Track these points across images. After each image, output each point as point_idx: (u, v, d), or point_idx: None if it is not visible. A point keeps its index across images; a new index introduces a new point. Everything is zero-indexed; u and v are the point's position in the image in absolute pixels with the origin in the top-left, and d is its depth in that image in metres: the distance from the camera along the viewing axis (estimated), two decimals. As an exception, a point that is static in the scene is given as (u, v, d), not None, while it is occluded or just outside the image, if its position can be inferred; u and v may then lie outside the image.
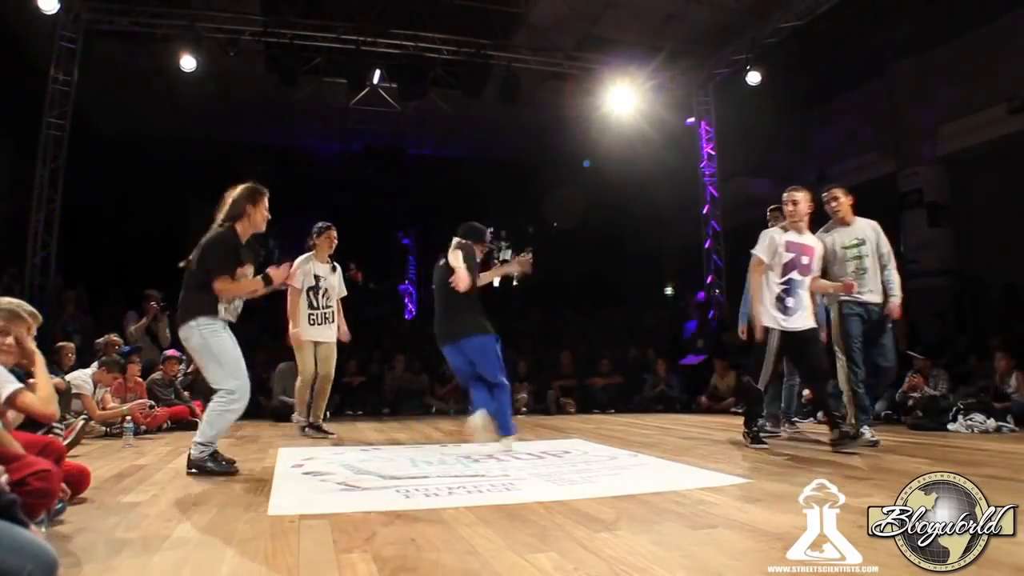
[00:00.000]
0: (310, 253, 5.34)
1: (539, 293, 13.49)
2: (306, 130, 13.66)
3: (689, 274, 12.23)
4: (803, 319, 4.24)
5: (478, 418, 4.20)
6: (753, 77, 9.82)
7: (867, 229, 4.59)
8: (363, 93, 11.16)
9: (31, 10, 7.97)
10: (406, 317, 14.66)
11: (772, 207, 5.37)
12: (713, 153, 11.39)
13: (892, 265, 4.56)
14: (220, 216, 3.49)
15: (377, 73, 10.70)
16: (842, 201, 4.66)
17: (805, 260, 4.30)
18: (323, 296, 5.29)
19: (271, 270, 3.50)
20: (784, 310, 4.23)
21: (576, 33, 10.24)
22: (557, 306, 12.48)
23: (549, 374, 9.06)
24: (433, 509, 2.49)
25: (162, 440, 5.22)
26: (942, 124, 9.63)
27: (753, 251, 4.36)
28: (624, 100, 10.46)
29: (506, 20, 10.16)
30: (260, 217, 3.53)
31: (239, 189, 3.53)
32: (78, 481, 2.63)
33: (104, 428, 5.30)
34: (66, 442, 3.51)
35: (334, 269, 5.43)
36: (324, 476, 3.31)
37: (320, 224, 5.40)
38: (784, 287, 4.25)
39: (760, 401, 4.48)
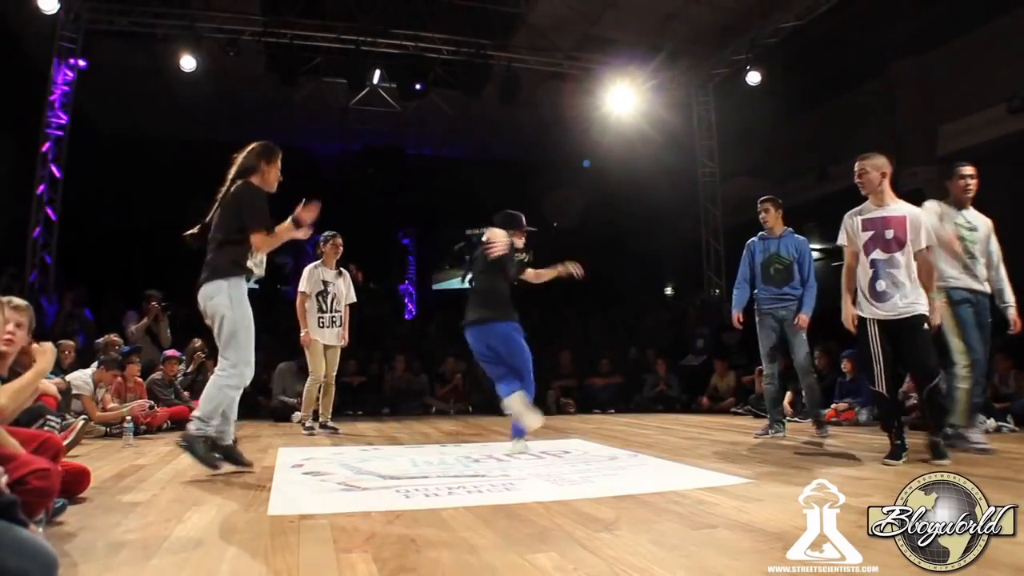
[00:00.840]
0: (319, 261, 5.75)
1: (539, 293, 13.47)
2: (306, 130, 13.65)
3: (689, 274, 12.23)
4: (898, 303, 3.60)
5: (517, 400, 4.09)
6: (753, 77, 9.83)
7: (981, 221, 4.29)
8: (363, 93, 11.17)
9: (31, 10, 7.97)
10: (406, 317, 14.66)
11: (761, 199, 5.36)
12: (713, 153, 11.40)
13: (1004, 272, 4.27)
14: (231, 173, 3.40)
15: (377, 73, 10.71)
16: (976, 182, 4.26)
17: (889, 234, 3.72)
18: (332, 300, 5.66)
19: (299, 211, 3.36)
20: (876, 296, 3.64)
21: (576, 33, 10.24)
22: (557, 306, 12.47)
23: (549, 374, 9.06)
24: (433, 509, 2.49)
25: (162, 440, 5.21)
26: (942, 124, 9.62)
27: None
28: (624, 100, 10.47)
29: (506, 20, 10.16)
30: (273, 176, 3.43)
31: (251, 146, 3.45)
32: (78, 481, 2.63)
33: (104, 428, 5.30)
34: (66, 442, 3.50)
35: (340, 274, 5.79)
36: (324, 476, 3.31)
37: (326, 233, 5.76)
38: (872, 270, 3.69)
39: (891, 411, 3.71)
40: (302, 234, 3.42)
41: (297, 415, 6.86)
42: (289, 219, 3.36)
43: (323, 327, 5.61)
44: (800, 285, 5.09)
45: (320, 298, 5.62)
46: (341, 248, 5.75)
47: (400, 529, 2.17)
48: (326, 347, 5.63)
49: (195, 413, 3.31)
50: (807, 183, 11.48)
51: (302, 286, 5.64)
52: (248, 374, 3.30)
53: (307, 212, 3.37)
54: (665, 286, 15.44)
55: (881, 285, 3.64)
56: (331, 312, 5.64)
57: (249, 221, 3.27)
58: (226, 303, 3.24)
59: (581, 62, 10.52)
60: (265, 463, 3.79)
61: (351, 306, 5.83)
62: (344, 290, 5.75)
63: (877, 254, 3.71)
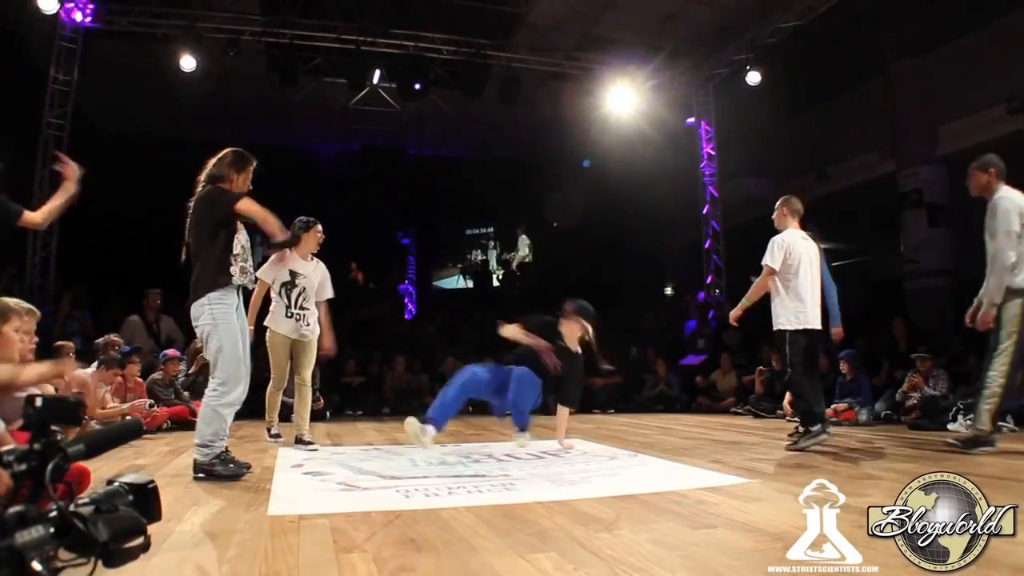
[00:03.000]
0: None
1: (539, 293, 13.48)
2: (306, 130, 13.65)
3: (689, 274, 12.24)
4: None
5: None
6: (753, 77, 9.82)
7: None
8: (363, 93, 11.17)
9: (31, 10, 7.97)
10: (406, 317, 14.65)
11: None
12: (713, 153, 11.40)
13: None
14: (201, 178, 3.38)
15: (377, 73, 10.71)
16: None
17: None
18: (299, 296, 4.63)
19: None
20: None
21: (576, 33, 10.24)
22: (557, 306, 12.47)
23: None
24: (433, 509, 2.49)
25: (162, 440, 5.22)
26: (942, 124, 9.63)
27: None
28: (624, 100, 10.47)
29: (506, 20, 10.16)
30: (243, 186, 3.38)
31: (223, 152, 3.41)
32: (78, 481, 2.63)
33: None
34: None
35: (317, 266, 4.77)
36: (324, 476, 3.31)
37: (305, 219, 4.69)
38: None
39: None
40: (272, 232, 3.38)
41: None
42: (268, 216, 3.30)
43: (290, 319, 4.60)
44: None
45: (284, 290, 4.60)
46: (322, 237, 4.73)
47: (400, 529, 2.17)
48: (294, 342, 4.64)
49: (196, 441, 3.25)
50: (807, 183, 11.47)
51: (262, 273, 4.51)
52: (238, 392, 3.22)
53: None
54: (665, 286, 15.44)
55: None
56: (297, 308, 4.62)
57: (225, 200, 3.24)
58: (209, 321, 3.20)
59: (581, 62, 10.51)
60: (265, 463, 3.79)
61: (331, 304, 4.93)
62: (316, 285, 4.70)
63: None
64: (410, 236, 17.15)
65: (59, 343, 5.90)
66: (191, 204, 3.35)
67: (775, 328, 4.42)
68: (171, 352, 6.62)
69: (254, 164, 3.44)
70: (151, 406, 5.86)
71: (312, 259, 4.73)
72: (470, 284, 15.77)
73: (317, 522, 2.27)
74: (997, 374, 3.87)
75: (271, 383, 4.75)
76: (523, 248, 15.90)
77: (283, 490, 2.94)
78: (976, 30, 9.06)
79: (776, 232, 4.55)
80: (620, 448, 4.37)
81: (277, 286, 4.62)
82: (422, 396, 8.68)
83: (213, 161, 3.40)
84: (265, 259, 4.57)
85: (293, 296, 4.62)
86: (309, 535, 2.11)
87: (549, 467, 3.56)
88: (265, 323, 4.63)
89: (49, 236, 8.65)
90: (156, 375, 6.40)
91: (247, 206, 3.25)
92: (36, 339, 2.58)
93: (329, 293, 4.80)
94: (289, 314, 4.60)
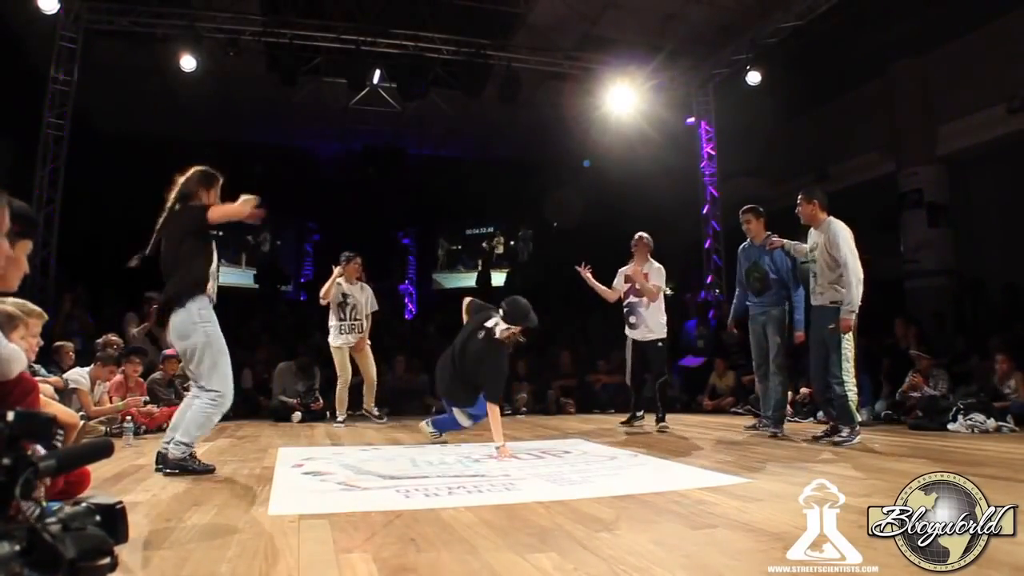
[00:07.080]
0: (340, 276, 6.33)
1: (539, 293, 13.46)
2: (306, 130, 13.65)
3: (689, 274, 12.23)
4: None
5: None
6: (753, 77, 9.82)
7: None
8: (363, 93, 11.17)
9: (31, 10, 7.98)
10: (406, 317, 14.65)
11: (743, 209, 5.51)
12: (713, 153, 11.40)
13: None
14: (171, 196, 3.41)
15: (377, 73, 10.71)
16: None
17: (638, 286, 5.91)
18: (351, 310, 6.33)
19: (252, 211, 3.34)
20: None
21: (576, 33, 10.23)
22: (557, 306, 12.46)
23: (549, 374, 9.05)
24: (433, 509, 2.49)
25: (162, 440, 5.21)
26: (942, 124, 9.62)
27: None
28: (624, 100, 10.46)
29: (506, 20, 10.16)
30: (213, 202, 3.45)
31: (191, 171, 3.46)
32: (78, 481, 2.63)
33: (104, 428, 5.31)
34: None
35: (363, 289, 6.48)
36: (324, 476, 3.31)
37: (347, 253, 6.43)
38: (627, 308, 6.14)
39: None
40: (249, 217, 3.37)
41: (297, 415, 6.97)
42: (241, 203, 3.30)
43: (343, 333, 6.31)
44: (778, 296, 5.13)
45: (340, 308, 6.30)
46: (360, 267, 6.45)
47: (400, 529, 2.17)
48: (350, 349, 6.35)
49: (178, 438, 3.30)
50: (807, 183, 11.45)
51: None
52: (229, 401, 3.38)
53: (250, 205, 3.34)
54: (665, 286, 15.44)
55: (632, 319, 5.89)
56: (350, 320, 6.32)
57: (197, 215, 3.29)
58: (203, 339, 3.28)
59: (581, 62, 10.51)
60: (265, 463, 3.79)
61: (374, 315, 6.56)
62: (363, 301, 6.41)
63: (632, 298, 5.88)
64: (410, 236, 17.14)
65: (59, 343, 5.92)
66: (162, 223, 3.40)
67: (664, 336, 5.87)
68: (170, 352, 6.61)
69: (220, 181, 3.49)
70: (146, 403, 5.87)
71: (357, 283, 6.54)
72: (501, 280, 15.75)
73: (317, 522, 2.27)
74: (850, 378, 4.42)
75: (339, 383, 6.50)
76: (499, 248, 16.23)
77: (283, 490, 2.94)
78: (976, 30, 9.06)
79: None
80: (620, 448, 4.37)
81: (335, 305, 6.34)
82: (422, 396, 8.68)
83: (181, 180, 3.44)
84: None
85: (347, 312, 6.42)
86: (309, 535, 2.11)
87: (549, 467, 3.56)
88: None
89: (49, 236, 8.65)
90: (156, 375, 6.41)
91: (218, 212, 3.31)
92: (41, 342, 2.60)
93: (375, 306, 6.66)
94: (341, 330, 6.41)
